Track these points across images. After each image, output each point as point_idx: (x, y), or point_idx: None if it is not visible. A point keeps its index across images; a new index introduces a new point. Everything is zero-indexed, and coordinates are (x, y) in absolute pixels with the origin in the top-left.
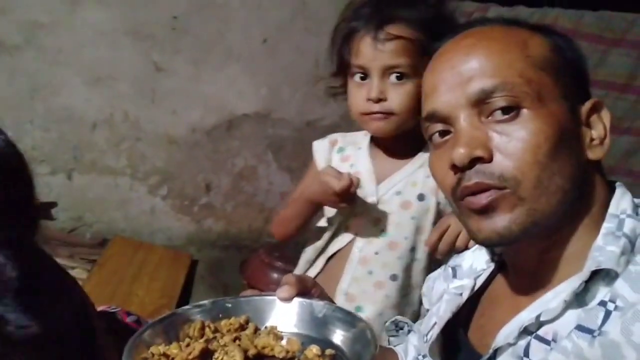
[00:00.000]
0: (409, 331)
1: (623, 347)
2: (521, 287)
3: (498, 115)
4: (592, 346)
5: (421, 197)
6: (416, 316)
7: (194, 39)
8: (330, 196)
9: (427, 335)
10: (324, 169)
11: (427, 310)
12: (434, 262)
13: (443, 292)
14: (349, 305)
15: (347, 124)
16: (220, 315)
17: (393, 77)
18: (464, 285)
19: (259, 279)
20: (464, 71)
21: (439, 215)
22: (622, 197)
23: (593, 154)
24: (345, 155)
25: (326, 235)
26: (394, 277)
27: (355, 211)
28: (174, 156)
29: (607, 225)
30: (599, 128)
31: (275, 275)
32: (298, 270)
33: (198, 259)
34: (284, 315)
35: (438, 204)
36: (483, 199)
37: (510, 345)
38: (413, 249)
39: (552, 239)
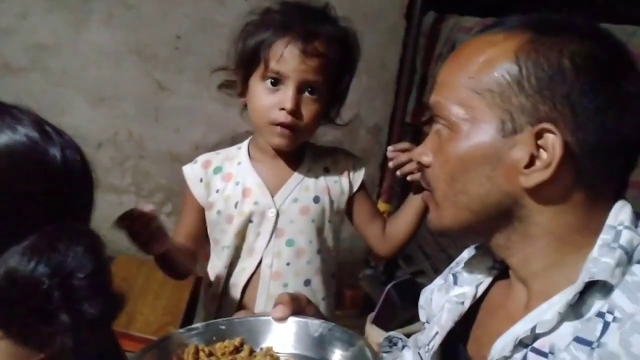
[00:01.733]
0: (403, 347)
1: (622, 359)
2: (516, 296)
3: (437, 130)
4: (591, 358)
5: (316, 200)
6: (330, 314)
7: (197, 58)
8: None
9: (428, 345)
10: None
11: (425, 323)
12: (417, 285)
13: (445, 302)
14: None
15: (350, 139)
16: (215, 338)
17: (307, 92)
18: (465, 293)
19: None
20: (437, 81)
21: (333, 213)
22: (622, 209)
23: (526, 181)
24: (225, 175)
25: (227, 267)
26: (307, 282)
27: (258, 230)
28: (178, 174)
29: (604, 236)
30: (543, 153)
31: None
32: (199, 320)
33: (202, 277)
34: (280, 335)
35: (332, 202)
36: (424, 195)
37: (506, 358)
38: (319, 251)
39: (514, 250)
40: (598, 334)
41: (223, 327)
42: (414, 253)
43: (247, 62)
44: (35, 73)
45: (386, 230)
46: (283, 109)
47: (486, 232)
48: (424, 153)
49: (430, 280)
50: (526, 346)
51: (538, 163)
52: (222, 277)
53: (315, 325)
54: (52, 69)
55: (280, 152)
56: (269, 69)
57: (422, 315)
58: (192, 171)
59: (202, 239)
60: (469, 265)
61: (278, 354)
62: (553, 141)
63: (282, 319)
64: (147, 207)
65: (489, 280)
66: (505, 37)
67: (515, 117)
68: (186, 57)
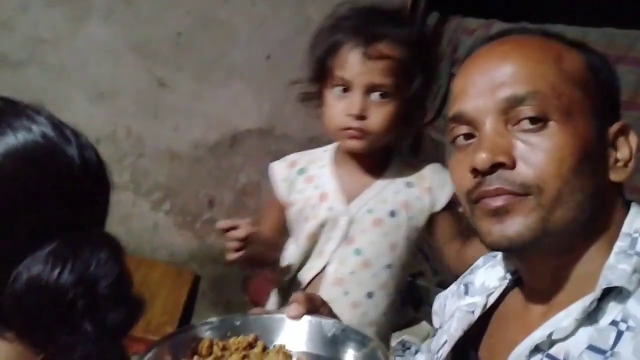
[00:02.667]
0: (416, 351)
1: None
2: (533, 306)
3: (525, 124)
4: None
5: (392, 214)
6: (389, 331)
7: (198, 55)
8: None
9: (437, 353)
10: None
11: (438, 329)
12: (416, 287)
13: (455, 310)
14: None
15: None
16: (229, 334)
17: (376, 96)
18: (476, 302)
19: (262, 296)
20: (497, 76)
21: (411, 230)
22: (637, 216)
23: (616, 176)
24: (308, 176)
25: (296, 264)
26: (370, 295)
27: (329, 235)
28: (177, 172)
29: (620, 244)
30: (624, 150)
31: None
32: (272, 305)
33: (200, 275)
34: (293, 334)
35: (409, 219)
36: (499, 200)
37: None
38: (389, 266)
39: (565, 257)
40: (612, 342)
41: (237, 323)
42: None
43: (318, 71)
44: (34, 68)
45: (464, 253)
46: (350, 114)
47: (584, 234)
48: (502, 153)
49: (431, 282)
50: (542, 352)
51: (621, 157)
52: (290, 272)
53: (329, 325)
54: (50, 64)
55: (363, 160)
56: (335, 76)
57: (436, 322)
58: (278, 169)
59: (283, 231)
60: (482, 274)
61: (291, 352)
62: (632, 136)
63: (296, 317)
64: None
65: (499, 290)
66: (544, 40)
67: (604, 112)
68: (187, 55)
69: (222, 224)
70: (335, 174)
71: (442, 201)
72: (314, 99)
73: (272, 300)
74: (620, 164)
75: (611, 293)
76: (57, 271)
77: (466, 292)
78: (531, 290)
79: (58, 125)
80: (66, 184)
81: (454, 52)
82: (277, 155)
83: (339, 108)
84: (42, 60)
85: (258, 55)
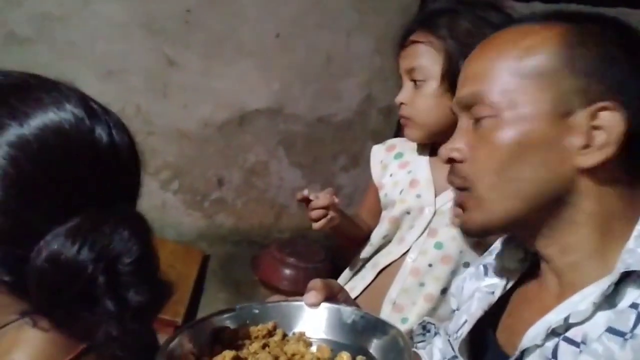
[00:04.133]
0: (435, 333)
1: None
2: (550, 287)
3: (477, 121)
4: (624, 349)
5: None
6: None
7: (207, 33)
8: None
9: (457, 332)
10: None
11: (454, 310)
12: None
13: (474, 291)
14: (395, 315)
15: (361, 119)
16: (248, 321)
17: (416, 81)
18: (496, 283)
19: (271, 275)
20: (467, 73)
21: None
22: None
23: (582, 161)
24: (403, 162)
25: (375, 246)
26: (444, 291)
27: (412, 223)
28: (186, 151)
29: None
30: (599, 133)
31: (287, 271)
32: (342, 280)
33: (209, 255)
34: (312, 321)
35: None
36: (456, 197)
37: (537, 346)
38: (466, 264)
39: (554, 239)
40: (631, 324)
41: (256, 311)
42: None
43: None
44: (42, 44)
45: None
46: (397, 102)
47: (534, 221)
48: (456, 149)
49: None
50: (558, 335)
51: (595, 143)
52: (370, 251)
53: (348, 312)
54: (59, 40)
55: None
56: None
57: (453, 303)
58: (377, 151)
59: (379, 214)
60: (501, 256)
61: (310, 339)
62: (611, 119)
63: (314, 305)
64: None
65: (519, 272)
66: (543, 26)
67: (569, 98)
68: (196, 32)
69: (300, 194)
70: (430, 163)
71: None
72: None
73: (344, 275)
74: (592, 148)
75: (630, 277)
76: (76, 246)
77: (486, 273)
78: (546, 272)
79: (88, 103)
80: (93, 161)
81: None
82: (286, 135)
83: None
84: (50, 37)
85: (267, 33)
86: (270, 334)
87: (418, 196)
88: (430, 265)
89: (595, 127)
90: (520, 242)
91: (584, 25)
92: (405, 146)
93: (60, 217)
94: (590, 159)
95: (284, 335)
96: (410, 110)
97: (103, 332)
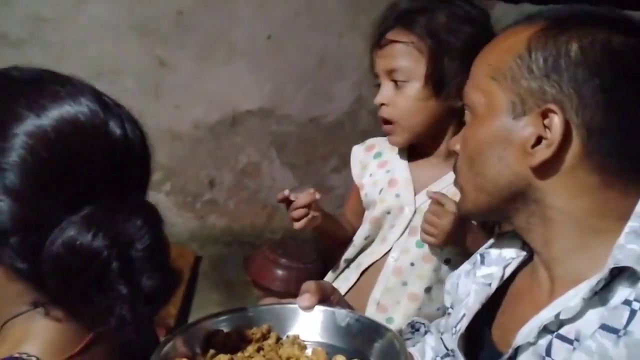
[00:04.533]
0: (426, 332)
1: None
2: (541, 281)
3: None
4: (617, 346)
5: None
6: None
7: (199, 34)
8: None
9: (455, 327)
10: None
11: (448, 308)
12: None
13: (472, 284)
14: (380, 315)
15: (351, 121)
16: (242, 325)
17: (396, 82)
18: (493, 274)
19: (263, 276)
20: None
21: (478, 226)
22: None
23: (531, 160)
24: (382, 161)
25: (358, 247)
26: (428, 290)
27: (393, 222)
28: (177, 152)
29: (631, 224)
30: (547, 134)
31: (279, 272)
32: (327, 279)
33: (201, 256)
34: (307, 324)
35: None
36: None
37: (531, 344)
38: (448, 261)
39: (536, 233)
40: (624, 321)
41: (251, 314)
42: None
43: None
44: (34, 46)
45: None
46: (377, 103)
47: (506, 214)
48: (456, 141)
49: None
50: (551, 332)
51: (543, 142)
52: (353, 252)
53: (343, 315)
54: (51, 42)
55: (435, 152)
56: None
57: (447, 300)
58: (356, 151)
59: (362, 215)
60: (498, 245)
61: (305, 343)
62: (555, 121)
63: (309, 308)
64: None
65: (517, 262)
66: (525, 27)
67: (525, 99)
68: (188, 34)
69: (281, 195)
70: (408, 162)
71: None
72: None
73: (328, 277)
74: (539, 147)
75: (623, 274)
76: (91, 233)
77: (482, 262)
78: (538, 264)
79: (102, 97)
80: (107, 153)
81: None
82: (278, 136)
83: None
84: (42, 39)
85: (259, 35)
86: (265, 337)
87: (397, 195)
88: (412, 264)
89: (546, 127)
90: (517, 232)
91: (555, 25)
92: (384, 145)
93: (75, 205)
94: (536, 158)
95: (278, 339)
96: (392, 112)
97: (117, 316)
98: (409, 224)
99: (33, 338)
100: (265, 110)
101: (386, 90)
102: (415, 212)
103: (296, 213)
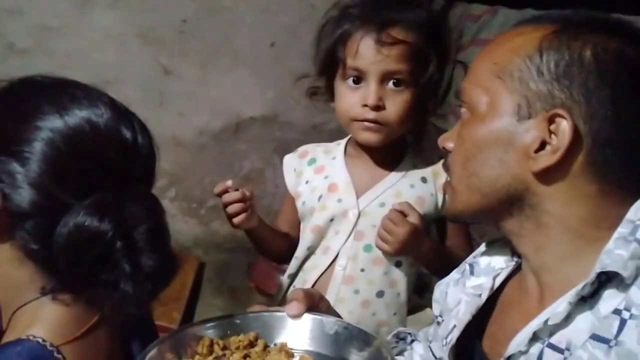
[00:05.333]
0: (412, 341)
1: None
2: (530, 290)
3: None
4: (609, 356)
5: None
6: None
7: (202, 42)
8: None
9: (446, 338)
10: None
11: (437, 317)
12: (420, 274)
13: (461, 295)
14: None
15: None
16: (229, 332)
17: (391, 84)
18: (482, 284)
19: (266, 282)
20: (470, 69)
21: (424, 225)
22: None
23: (534, 165)
24: (318, 167)
25: (301, 259)
26: (380, 294)
27: (337, 228)
28: (182, 159)
29: (621, 230)
30: (553, 139)
31: (282, 278)
32: (275, 303)
33: (205, 262)
34: (295, 332)
35: (423, 215)
36: (444, 185)
37: (522, 353)
38: (399, 263)
39: (528, 239)
40: (615, 331)
41: (238, 321)
42: None
43: (328, 64)
44: (40, 55)
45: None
46: (366, 105)
47: (498, 217)
48: (449, 138)
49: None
50: (542, 341)
51: (548, 147)
52: (296, 265)
53: (331, 323)
54: (56, 51)
55: (376, 152)
56: (347, 66)
57: (436, 309)
58: (289, 160)
59: (298, 226)
60: (487, 255)
61: (292, 350)
62: (564, 126)
63: (296, 316)
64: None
65: (506, 272)
66: (535, 28)
67: (532, 102)
68: (192, 42)
69: (221, 185)
70: (346, 166)
71: None
72: (323, 93)
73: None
74: (543, 152)
75: (612, 281)
76: (98, 217)
77: (472, 272)
78: (527, 272)
79: (116, 104)
80: (118, 153)
81: (459, 39)
82: (281, 143)
83: (354, 99)
84: (48, 48)
85: (262, 42)
86: (252, 344)
87: (339, 200)
88: (362, 269)
89: (552, 132)
90: (506, 241)
91: (568, 29)
92: (317, 151)
93: (85, 193)
94: (539, 163)
95: (266, 346)
96: (388, 115)
97: (121, 291)
98: (354, 228)
99: (40, 322)
100: (268, 117)
101: (379, 90)
102: (359, 215)
103: (232, 208)
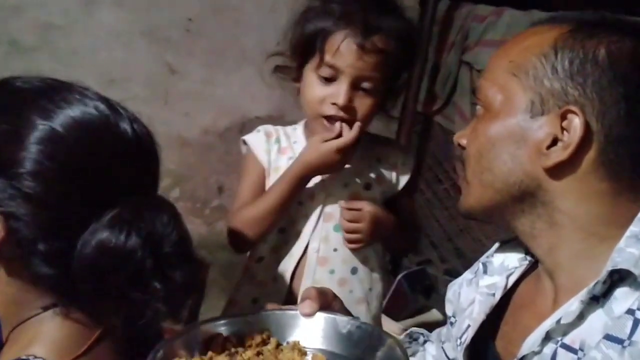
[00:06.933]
0: (425, 341)
1: None
2: (545, 290)
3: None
4: (622, 356)
5: (367, 187)
6: (380, 310)
7: (208, 41)
8: (333, 155)
9: (460, 338)
10: (314, 137)
11: (450, 317)
12: (426, 276)
13: (475, 294)
14: None
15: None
16: (242, 330)
17: (362, 87)
18: (496, 284)
19: None
20: (486, 67)
21: (385, 203)
22: None
23: (545, 161)
24: (282, 148)
25: (271, 242)
26: (354, 270)
27: (305, 212)
28: (187, 158)
29: (633, 228)
30: (565, 136)
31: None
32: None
33: (210, 262)
34: (307, 330)
35: (383, 192)
36: (459, 181)
37: (535, 353)
38: (370, 241)
39: (542, 239)
40: (628, 331)
41: (250, 320)
42: (421, 242)
43: (304, 49)
44: (45, 53)
45: None
46: (335, 103)
47: (511, 215)
48: (464, 135)
49: (438, 270)
50: (555, 341)
51: (559, 144)
52: (270, 263)
53: (344, 322)
54: (61, 49)
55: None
56: (325, 61)
57: (449, 309)
58: (256, 138)
59: None
60: (500, 254)
61: (305, 349)
62: (575, 123)
63: (310, 315)
64: None
65: (519, 271)
66: (550, 28)
67: (545, 99)
68: (198, 40)
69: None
70: None
71: (401, 183)
72: (291, 73)
73: (243, 291)
74: (554, 149)
75: (625, 280)
76: (124, 234)
77: (485, 271)
78: (542, 273)
79: (109, 101)
80: (122, 152)
81: (465, 40)
82: None
83: (323, 94)
84: (52, 46)
85: (269, 41)
86: (265, 342)
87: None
88: (335, 249)
89: (564, 129)
90: (519, 240)
91: (583, 29)
92: (280, 132)
93: (99, 208)
94: (551, 159)
95: (278, 344)
96: (353, 116)
97: (152, 310)
98: (322, 210)
99: (41, 340)
100: (274, 116)
101: (350, 91)
102: (325, 196)
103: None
